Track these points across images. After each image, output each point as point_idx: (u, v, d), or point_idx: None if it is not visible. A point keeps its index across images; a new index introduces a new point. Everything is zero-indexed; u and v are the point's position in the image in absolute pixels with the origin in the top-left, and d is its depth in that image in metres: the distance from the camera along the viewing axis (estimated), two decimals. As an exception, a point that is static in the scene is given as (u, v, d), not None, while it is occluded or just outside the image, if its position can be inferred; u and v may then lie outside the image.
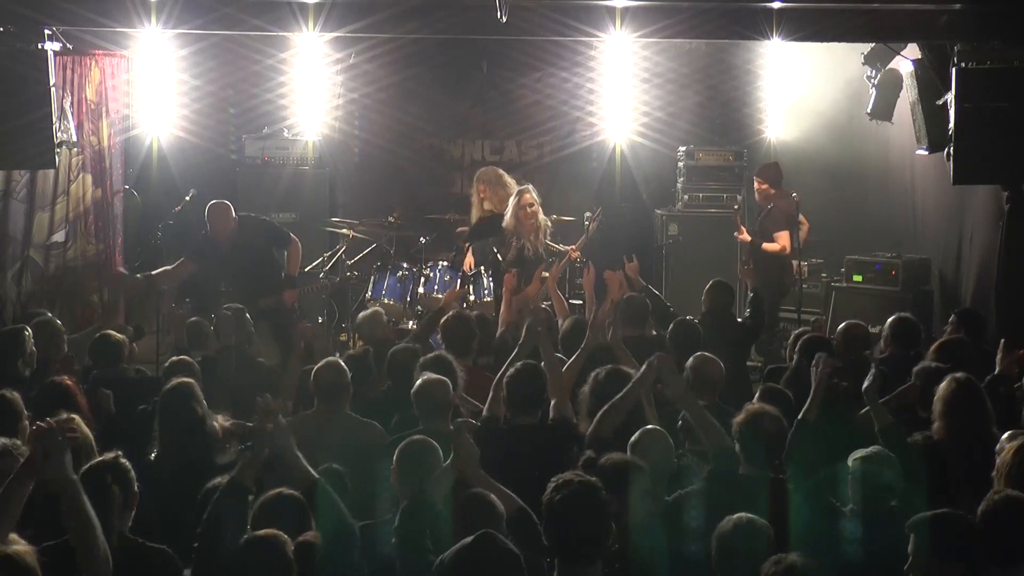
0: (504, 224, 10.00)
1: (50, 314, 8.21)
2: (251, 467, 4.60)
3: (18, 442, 4.78)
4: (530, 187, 10.15)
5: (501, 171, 10.81)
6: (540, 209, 10.11)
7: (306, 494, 4.49)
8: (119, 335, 7.45)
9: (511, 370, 5.94)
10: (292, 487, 4.56)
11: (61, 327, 7.68)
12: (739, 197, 11.36)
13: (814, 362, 5.73)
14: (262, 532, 4.08)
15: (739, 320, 8.36)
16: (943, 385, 5.75)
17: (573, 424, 5.88)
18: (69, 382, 6.29)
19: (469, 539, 3.76)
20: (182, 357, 6.91)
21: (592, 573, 3.99)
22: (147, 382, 7.17)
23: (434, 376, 5.92)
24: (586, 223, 10.40)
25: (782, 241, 10.39)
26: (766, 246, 10.41)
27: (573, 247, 10.04)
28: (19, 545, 3.90)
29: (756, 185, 10.77)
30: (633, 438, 5.20)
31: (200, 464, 5.45)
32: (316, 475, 4.55)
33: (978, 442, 5.56)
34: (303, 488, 4.52)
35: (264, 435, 4.60)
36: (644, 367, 5.69)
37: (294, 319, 9.23)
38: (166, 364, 6.96)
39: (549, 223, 10.30)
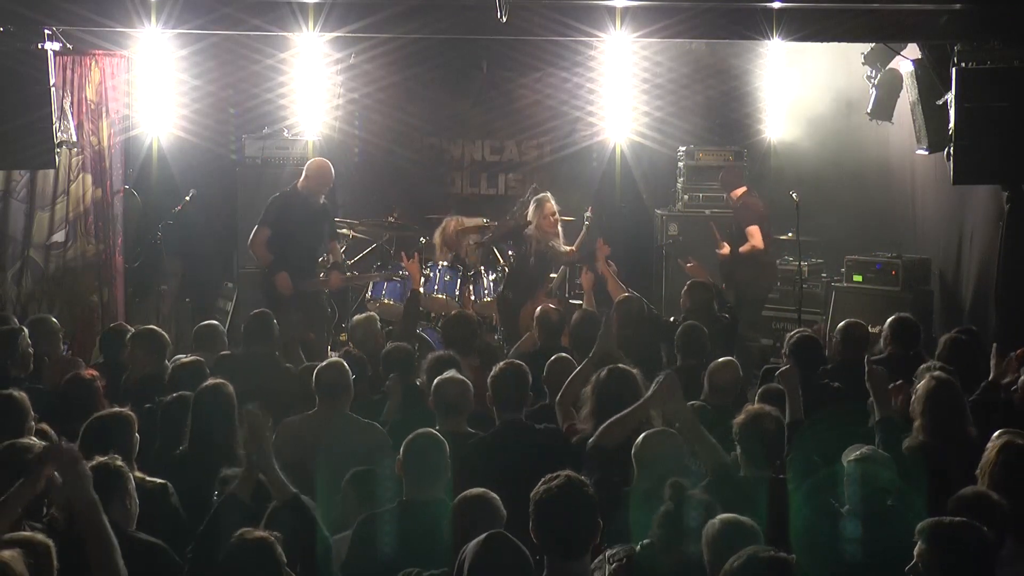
0: (528, 232, 9.88)
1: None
2: (251, 480, 4.59)
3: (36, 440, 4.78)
4: (549, 194, 10.06)
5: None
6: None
7: (286, 509, 4.46)
8: (157, 330, 7.49)
9: (495, 370, 6.04)
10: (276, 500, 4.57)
11: (57, 326, 7.72)
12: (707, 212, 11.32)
13: (766, 370, 5.80)
14: (251, 535, 4.06)
15: (720, 316, 8.41)
16: (922, 383, 5.79)
17: (562, 431, 5.95)
18: (95, 376, 6.34)
19: (481, 539, 3.78)
20: (194, 358, 6.92)
21: (581, 568, 4.02)
22: (151, 381, 7.17)
23: (456, 375, 5.96)
24: (585, 222, 10.40)
25: (754, 239, 10.37)
26: (741, 250, 10.42)
27: (572, 247, 10.07)
28: (5, 551, 3.90)
29: (730, 194, 10.81)
30: (641, 438, 5.18)
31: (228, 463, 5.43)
32: (294, 490, 4.53)
33: (959, 441, 5.59)
34: (283, 503, 4.49)
35: (250, 449, 4.60)
36: (654, 387, 5.53)
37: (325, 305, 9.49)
38: (176, 363, 6.96)
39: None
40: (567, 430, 6.02)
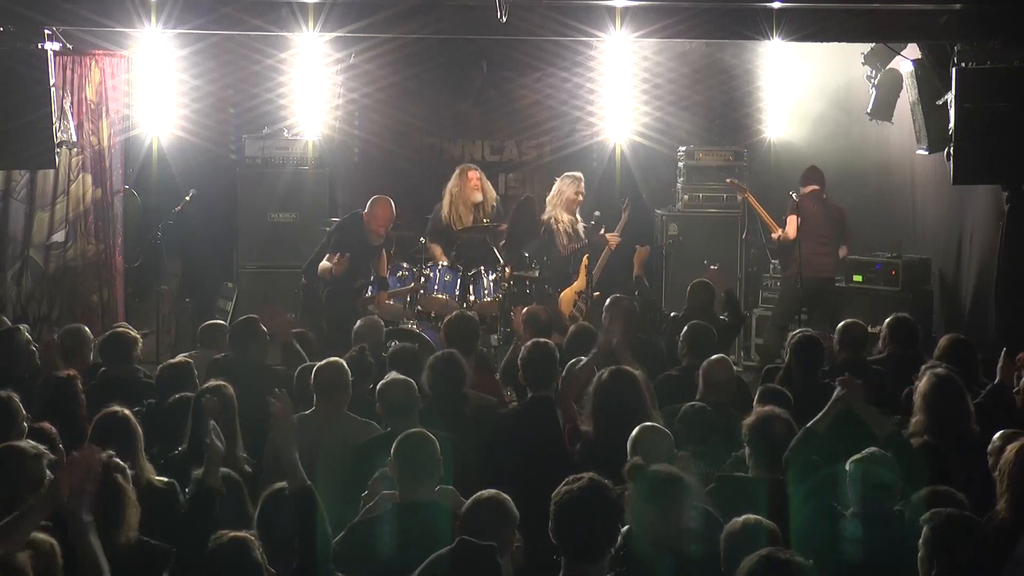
0: (546, 215, 10.28)
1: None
2: (216, 466, 4.58)
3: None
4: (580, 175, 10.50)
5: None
6: None
7: (296, 498, 4.46)
8: (132, 332, 7.45)
9: (524, 351, 6.25)
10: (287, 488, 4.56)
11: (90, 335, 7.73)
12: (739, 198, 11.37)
13: (839, 380, 5.66)
14: (229, 536, 4.06)
15: (720, 318, 8.42)
16: (923, 381, 5.79)
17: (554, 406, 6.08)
18: (73, 376, 6.31)
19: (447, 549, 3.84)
20: (182, 359, 6.90)
21: (597, 572, 4.00)
22: (144, 383, 7.15)
23: (399, 377, 5.96)
24: (623, 212, 10.56)
25: (788, 227, 10.47)
26: (774, 236, 10.65)
27: (613, 234, 10.16)
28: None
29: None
30: (633, 434, 5.20)
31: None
32: (308, 482, 4.50)
33: (962, 439, 5.59)
34: (293, 492, 4.49)
35: (277, 432, 4.60)
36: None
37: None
38: (163, 365, 6.95)
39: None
40: (569, 431, 6.03)
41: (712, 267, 9.23)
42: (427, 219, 11.19)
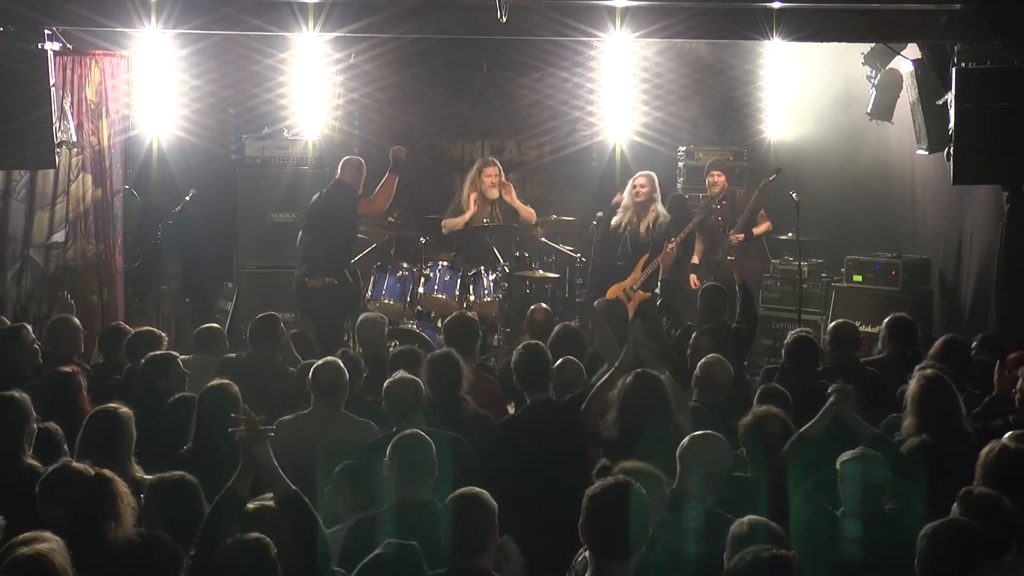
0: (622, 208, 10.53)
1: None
2: (248, 476, 4.58)
3: None
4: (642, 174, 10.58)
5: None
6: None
7: (283, 506, 4.45)
8: (158, 332, 7.47)
9: (515, 354, 6.27)
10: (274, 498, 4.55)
11: (78, 325, 7.73)
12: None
13: (832, 388, 5.63)
14: (246, 536, 4.06)
15: (734, 325, 8.29)
16: (912, 382, 5.79)
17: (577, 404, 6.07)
18: (76, 373, 6.32)
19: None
20: (169, 352, 6.91)
21: (625, 570, 4.02)
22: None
23: (405, 375, 5.95)
24: (715, 206, 10.62)
25: (765, 222, 10.76)
26: (757, 231, 10.61)
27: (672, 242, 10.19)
28: (46, 543, 3.81)
29: (715, 178, 10.88)
30: (687, 440, 5.06)
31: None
32: (294, 488, 4.49)
33: (956, 438, 5.59)
34: (280, 500, 4.47)
35: (246, 447, 4.58)
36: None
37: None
38: (148, 358, 6.93)
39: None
40: (594, 437, 6.01)
41: (729, 257, 9.21)
42: (428, 219, 11.22)
